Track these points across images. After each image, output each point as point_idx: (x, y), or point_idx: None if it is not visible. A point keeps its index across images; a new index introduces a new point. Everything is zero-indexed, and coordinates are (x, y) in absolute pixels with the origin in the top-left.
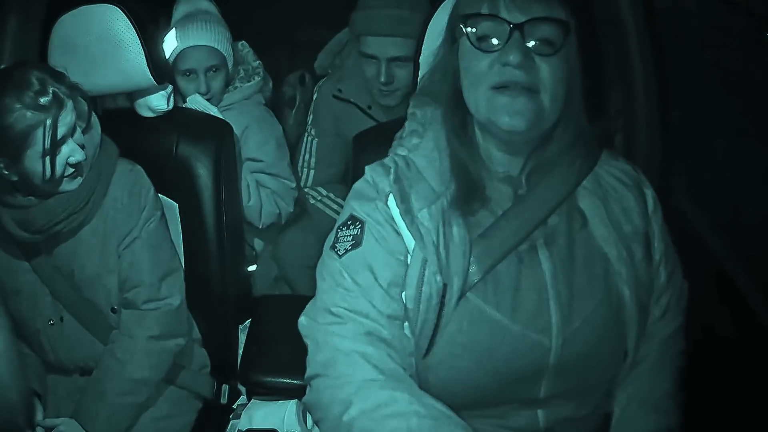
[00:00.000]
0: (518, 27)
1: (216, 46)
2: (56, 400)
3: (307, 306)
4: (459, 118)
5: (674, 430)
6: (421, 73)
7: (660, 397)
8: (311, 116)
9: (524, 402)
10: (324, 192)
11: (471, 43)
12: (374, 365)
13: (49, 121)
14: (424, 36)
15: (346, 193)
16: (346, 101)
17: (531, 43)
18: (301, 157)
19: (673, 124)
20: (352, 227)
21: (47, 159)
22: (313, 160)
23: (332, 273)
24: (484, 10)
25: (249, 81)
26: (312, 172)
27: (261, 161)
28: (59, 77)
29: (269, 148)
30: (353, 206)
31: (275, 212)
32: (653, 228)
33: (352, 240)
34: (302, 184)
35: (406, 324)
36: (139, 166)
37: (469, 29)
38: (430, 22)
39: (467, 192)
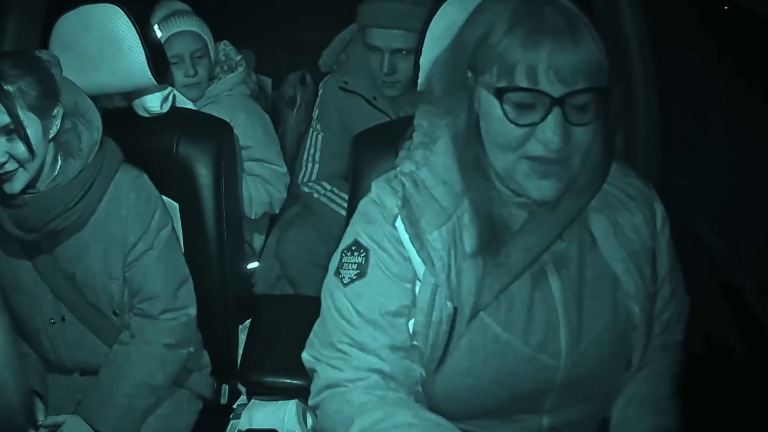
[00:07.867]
0: (559, 102)
1: (199, 32)
2: (57, 400)
3: (310, 336)
4: (472, 154)
5: (672, 429)
6: (421, 76)
7: (658, 399)
8: (317, 111)
9: (529, 412)
10: (328, 186)
11: (506, 116)
12: (375, 395)
13: None
14: (424, 35)
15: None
16: (352, 93)
17: (570, 114)
18: (306, 152)
19: (673, 124)
20: (356, 254)
21: None
22: (318, 154)
23: (336, 302)
24: (521, 79)
25: (232, 73)
26: (317, 166)
27: (249, 147)
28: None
29: (256, 135)
30: (358, 230)
31: (266, 200)
32: (660, 244)
33: (356, 269)
34: (307, 179)
35: (414, 351)
36: (145, 175)
37: (505, 104)
38: (431, 24)
39: (491, 238)
